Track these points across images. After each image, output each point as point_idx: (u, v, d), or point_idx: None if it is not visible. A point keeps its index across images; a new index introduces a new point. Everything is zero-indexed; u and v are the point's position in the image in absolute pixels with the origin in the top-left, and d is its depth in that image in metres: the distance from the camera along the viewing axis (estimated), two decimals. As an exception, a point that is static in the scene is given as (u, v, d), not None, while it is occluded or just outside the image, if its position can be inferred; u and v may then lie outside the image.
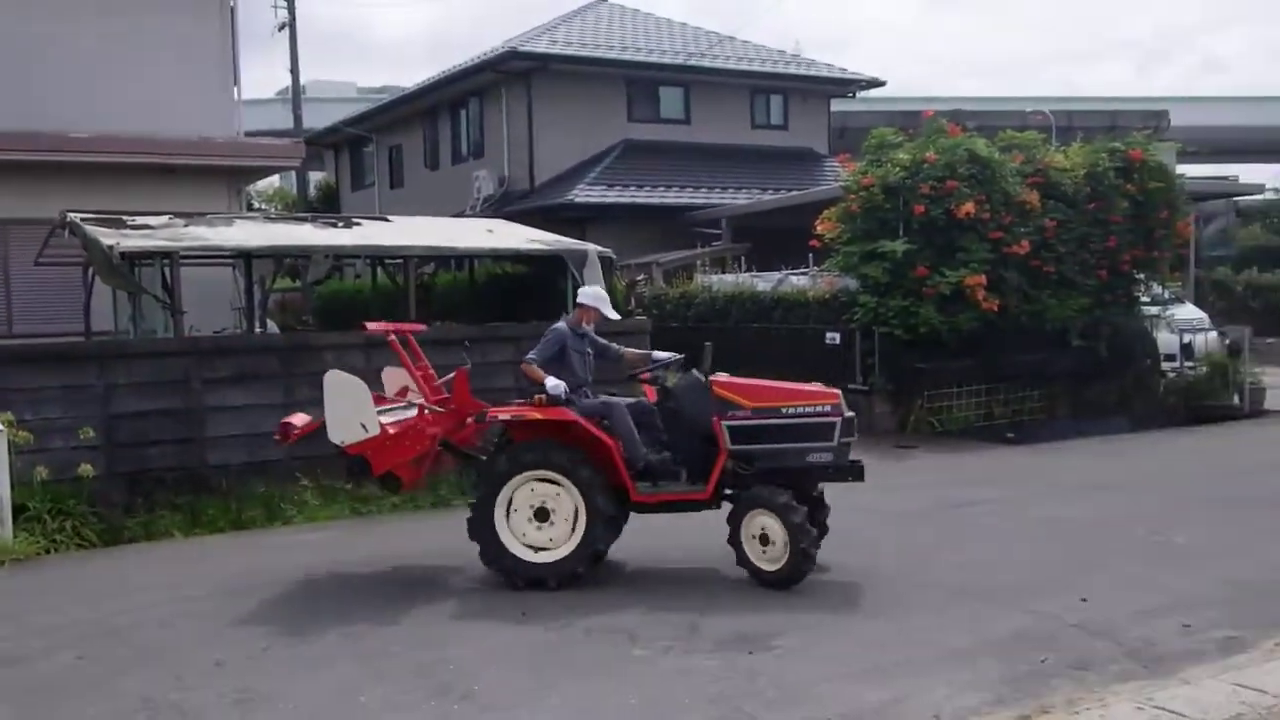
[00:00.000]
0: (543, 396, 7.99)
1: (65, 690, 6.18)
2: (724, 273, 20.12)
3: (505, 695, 5.89)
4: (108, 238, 11.91)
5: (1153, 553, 8.78)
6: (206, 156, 17.21)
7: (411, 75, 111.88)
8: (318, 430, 8.25)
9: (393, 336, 8.73)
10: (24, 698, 6.07)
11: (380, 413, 8.23)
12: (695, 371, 8.23)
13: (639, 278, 20.40)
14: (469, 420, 8.60)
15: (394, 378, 8.95)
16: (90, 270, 14.05)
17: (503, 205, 25.23)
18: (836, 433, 7.93)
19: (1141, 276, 17.71)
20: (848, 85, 30.39)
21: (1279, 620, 6.89)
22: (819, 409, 7.98)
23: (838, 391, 8.20)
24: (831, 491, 8.46)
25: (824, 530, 8.26)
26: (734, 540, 7.90)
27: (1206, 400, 17.88)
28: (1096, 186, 16.53)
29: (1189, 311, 20.92)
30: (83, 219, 12.84)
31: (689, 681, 6.01)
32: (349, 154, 35.42)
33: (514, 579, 7.88)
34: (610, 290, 14.40)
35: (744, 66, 28.30)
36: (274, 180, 38.98)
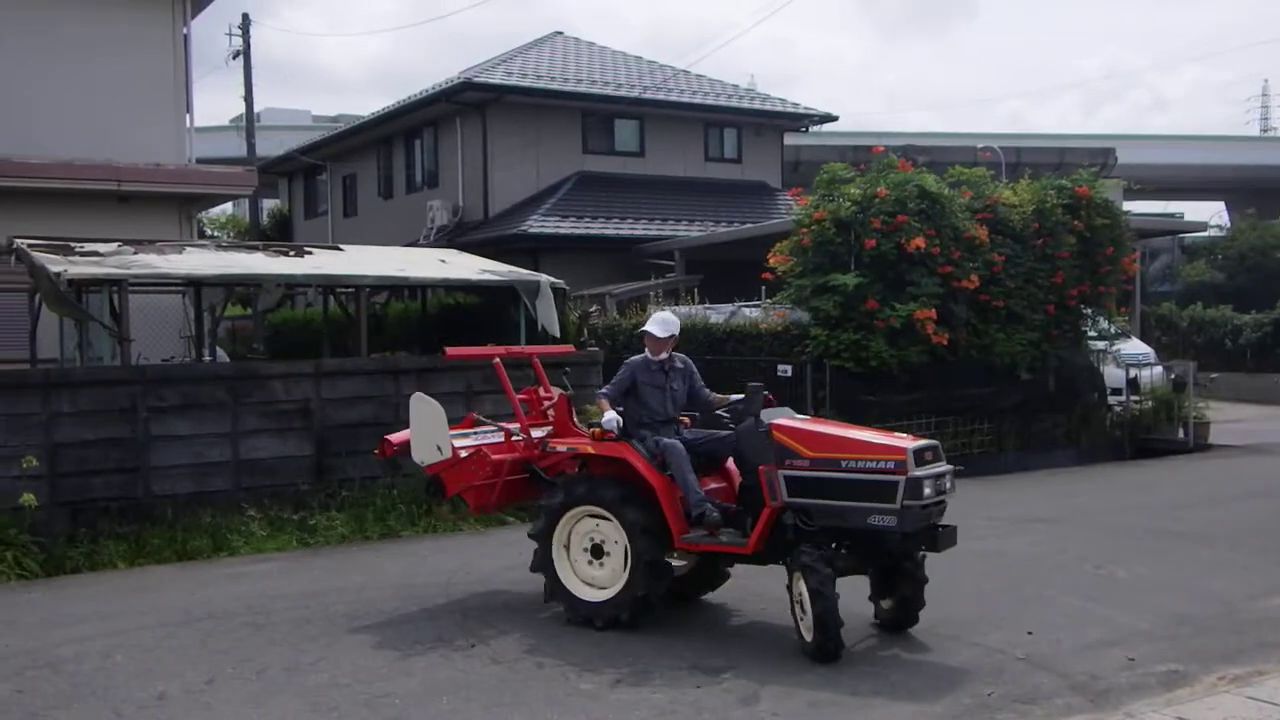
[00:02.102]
0: (598, 429, 7.83)
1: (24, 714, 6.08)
2: (677, 304, 20.18)
3: (451, 729, 5.86)
4: (55, 264, 11.79)
5: (1096, 586, 8.88)
6: (158, 183, 17.06)
7: (366, 104, 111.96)
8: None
9: (498, 361, 8.88)
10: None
11: (468, 435, 8.65)
12: (759, 417, 7.50)
13: (592, 309, 20.40)
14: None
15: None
16: (37, 297, 13.87)
17: (457, 235, 25.20)
18: (900, 494, 6.81)
19: (1088, 311, 17.97)
20: (801, 120, 30.69)
21: (1221, 654, 6.99)
22: (878, 464, 6.91)
23: (906, 447, 6.99)
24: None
25: (914, 606, 7.44)
26: (789, 597, 7.21)
27: (1152, 434, 18.17)
28: (1044, 222, 16.78)
29: (1135, 346, 21.27)
30: (30, 245, 12.72)
31: (637, 714, 6.01)
32: (303, 182, 35.25)
33: (571, 613, 7.79)
34: (562, 320, 14.45)
35: (698, 100, 28.52)
36: (227, 208, 38.80)
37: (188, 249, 14.55)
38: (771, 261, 16.60)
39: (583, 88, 26.98)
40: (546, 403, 8.83)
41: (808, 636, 6.93)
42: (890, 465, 6.87)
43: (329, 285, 16.07)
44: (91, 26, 17.36)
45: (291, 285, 15.18)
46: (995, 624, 7.70)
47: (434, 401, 8.33)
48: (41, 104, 16.59)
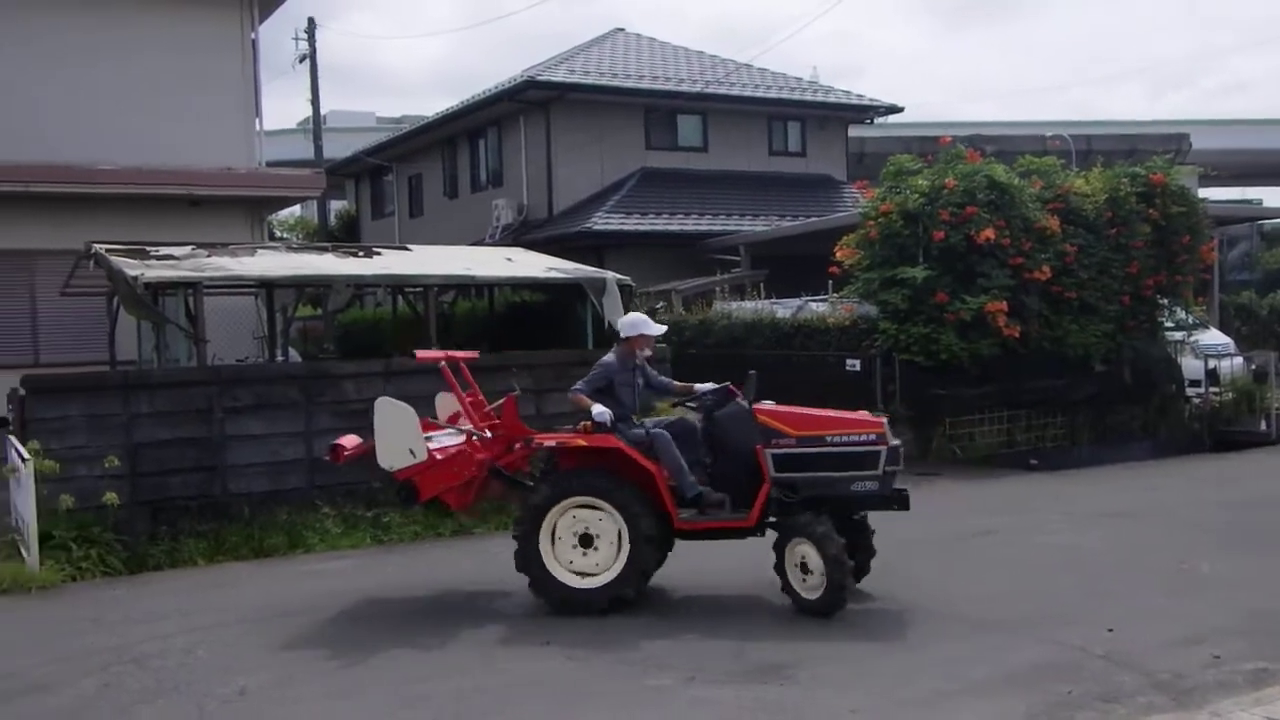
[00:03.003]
0: (589, 423, 8.04)
1: (90, 716, 6.19)
2: (743, 299, 20.12)
3: (528, 725, 5.88)
4: (132, 268, 12.02)
5: (1178, 582, 8.70)
6: (229, 187, 17.37)
7: (430, 105, 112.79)
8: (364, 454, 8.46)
9: (444, 364, 8.72)
10: (49, 728, 6.10)
11: (428, 439, 8.32)
12: (740, 400, 8.25)
13: (658, 305, 20.40)
14: (516, 446, 8.68)
15: (447, 404, 9.00)
16: (115, 300, 14.16)
17: (521, 233, 25.32)
18: (881, 461, 7.87)
19: (1165, 302, 17.66)
20: (865, 111, 30.42)
21: (1309, 651, 6.82)
22: (864, 438, 7.94)
23: (883, 420, 8.17)
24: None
25: (869, 555, 8.37)
26: (779, 568, 7.90)
27: (1232, 426, 17.79)
28: (1117, 211, 16.51)
29: (1213, 337, 20.80)
30: (108, 250, 12.97)
31: (712, 711, 5.99)
32: (369, 183, 35.63)
33: (562, 606, 7.91)
34: (629, 317, 14.43)
35: (761, 94, 28.37)
36: (295, 210, 39.25)
37: (259, 251, 14.77)
38: (838, 255, 16.49)
39: (645, 84, 26.97)
40: (472, 403, 8.77)
41: (810, 596, 7.71)
42: (873, 437, 7.92)
43: (397, 285, 16.24)
44: (163, 34, 17.71)
45: (361, 285, 15.35)
46: (1073, 620, 7.56)
47: (403, 404, 8.19)
48: (116, 111, 16.96)
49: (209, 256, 13.43)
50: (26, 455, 9.94)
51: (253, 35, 18.68)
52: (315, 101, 34.97)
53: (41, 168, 15.81)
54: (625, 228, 24.33)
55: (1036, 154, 18.26)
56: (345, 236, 34.80)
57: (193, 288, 12.59)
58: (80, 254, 14.07)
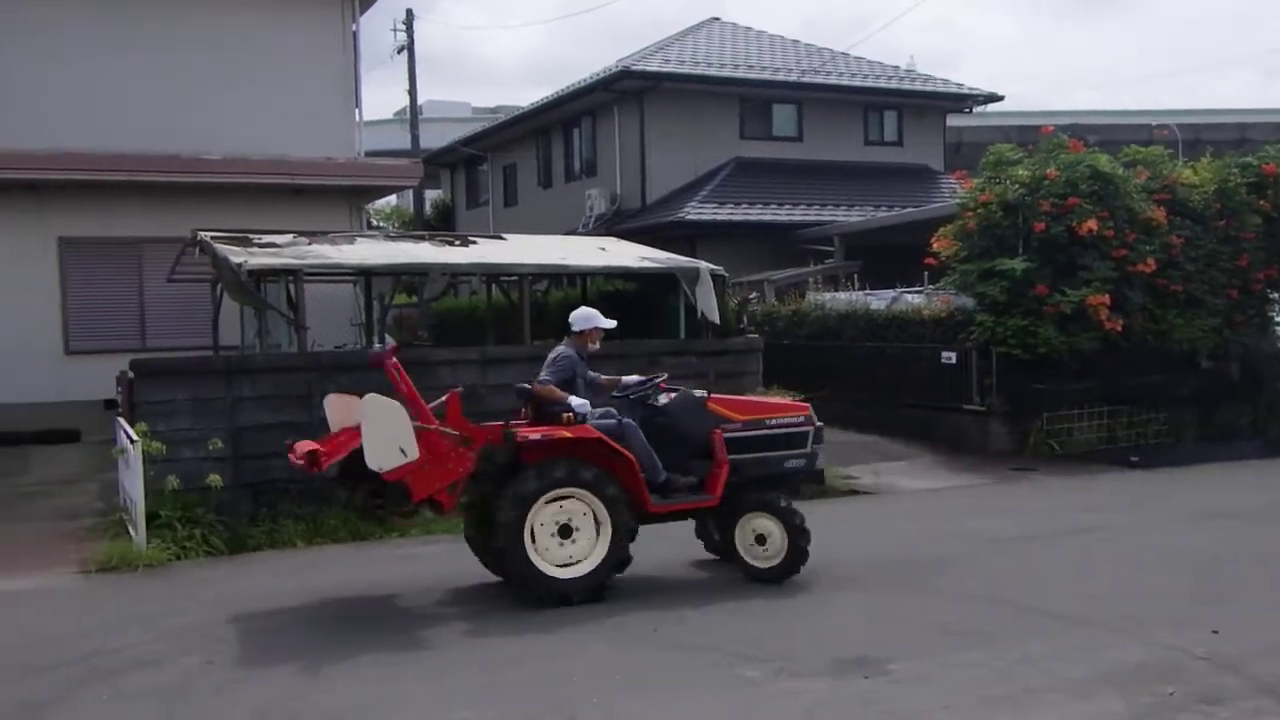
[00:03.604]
0: (571, 415, 8.07)
1: (193, 692, 6.37)
2: (836, 291, 19.96)
3: (622, 711, 5.91)
4: (236, 256, 12.31)
5: (1286, 584, 8.45)
6: (330, 177, 17.69)
7: (524, 95, 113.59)
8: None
9: (393, 361, 8.30)
10: (155, 699, 6.28)
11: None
12: (695, 391, 8.75)
13: (751, 295, 20.34)
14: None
15: (341, 406, 8.29)
16: (219, 287, 14.51)
17: (615, 223, 25.39)
18: (810, 441, 8.86)
19: (1276, 296, 17.11)
20: (964, 100, 29.93)
21: None
22: (796, 420, 8.85)
23: (808, 405, 9.11)
24: (947, 516, 8.34)
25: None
26: (729, 542, 8.59)
27: (1345, 425, 17.16)
28: (1226, 203, 16.05)
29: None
30: (213, 237, 13.29)
31: (801, 704, 5.96)
32: (464, 173, 36.02)
33: (545, 597, 7.89)
34: (722, 307, 14.41)
35: (858, 83, 28.07)
36: (391, 199, 39.85)
37: (358, 239, 15.02)
38: (935, 246, 16.27)
39: (740, 73, 26.85)
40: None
41: (766, 565, 8.49)
42: (803, 420, 8.85)
43: (492, 274, 16.36)
44: (266, 27, 18.06)
45: (456, 274, 15.51)
46: (1176, 621, 7.38)
47: (392, 402, 7.72)
48: (220, 102, 17.35)
49: (310, 244, 13.68)
50: (135, 437, 10.25)
51: (353, 27, 18.96)
52: (412, 92, 35.43)
53: (149, 157, 16.25)
54: (718, 218, 24.28)
55: (1142, 144, 17.83)
56: (440, 226, 35.24)
57: (294, 275, 12.84)
58: (186, 241, 14.43)
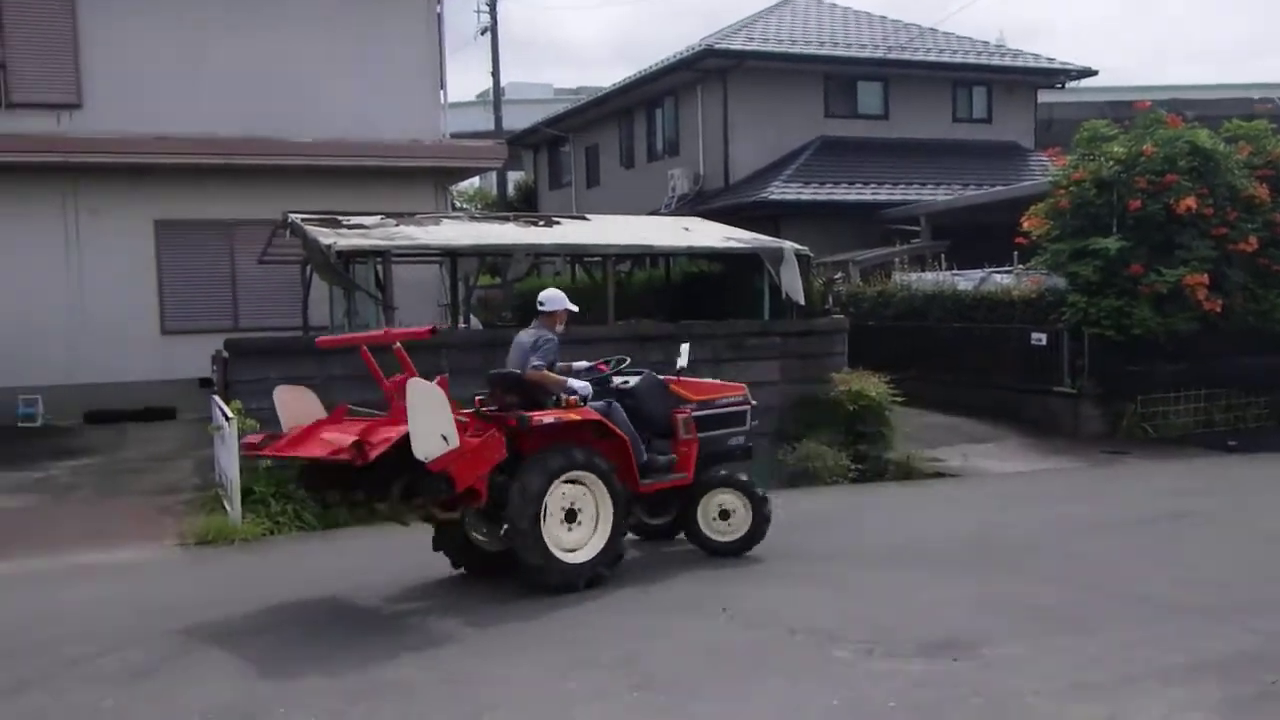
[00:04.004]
0: (574, 398, 8.03)
1: (290, 659, 6.50)
2: (923, 271, 19.71)
3: (707, 690, 5.91)
4: (325, 237, 12.50)
5: (1395, 572, 8.18)
6: (416, 158, 17.89)
7: (606, 75, 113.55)
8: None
9: (365, 349, 8.11)
10: (254, 667, 6.44)
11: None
12: (655, 375, 8.94)
13: (836, 276, 20.18)
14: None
15: (294, 399, 8.00)
16: (308, 268, 14.77)
17: (697, 203, 25.31)
18: (748, 419, 9.26)
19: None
20: (1056, 75, 29.27)
21: None
22: (738, 400, 9.20)
23: (744, 385, 9.45)
24: (1037, 499, 8.21)
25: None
26: (691, 518, 8.78)
27: None
28: (1335, 179, 15.53)
29: None
30: (303, 219, 13.51)
31: (891, 685, 5.91)
32: (547, 154, 36.15)
33: (554, 584, 7.74)
34: (807, 288, 14.31)
35: (946, 59, 27.57)
36: (474, 181, 40.11)
37: (444, 220, 15.16)
38: (1025, 225, 16.00)
39: (825, 50, 26.53)
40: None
41: (729, 539, 8.75)
42: (742, 399, 9.21)
43: (576, 254, 16.44)
44: (352, 9, 18.26)
45: (540, 255, 15.60)
46: (1278, 608, 7.19)
47: (434, 386, 7.37)
48: (310, 86, 17.59)
49: (397, 225, 13.85)
50: (230, 414, 10.48)
51: (438, 9, 19.11)
52: (496, 74, 35.65)
53: (241, 141, 16.58)
54: (802, 197, 24.06)
55: (1244, 118, 17.28)
56: (523, 207, 35.44)
57: (381, 256, 13.01)
58: (277, 223, 14.70)
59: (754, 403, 9.36)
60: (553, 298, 8.77)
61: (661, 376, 8.92)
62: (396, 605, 7.75)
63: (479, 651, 6.61)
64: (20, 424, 15.99)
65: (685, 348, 9.31)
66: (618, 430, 8.16)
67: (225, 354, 11.83)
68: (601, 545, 7.98)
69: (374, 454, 6.99)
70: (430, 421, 7.13)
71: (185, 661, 6.60)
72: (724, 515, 8.80)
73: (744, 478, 8.85)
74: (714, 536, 8.80)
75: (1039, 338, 15.65)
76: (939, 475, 13.18)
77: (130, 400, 16.32)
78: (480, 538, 8.32)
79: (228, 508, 10.39)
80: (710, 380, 9.30)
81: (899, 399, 13.79)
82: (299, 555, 9.48)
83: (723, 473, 8.88)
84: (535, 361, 8.11)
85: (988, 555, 8.94)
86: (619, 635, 6.86)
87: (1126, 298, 14.67)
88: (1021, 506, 11.16)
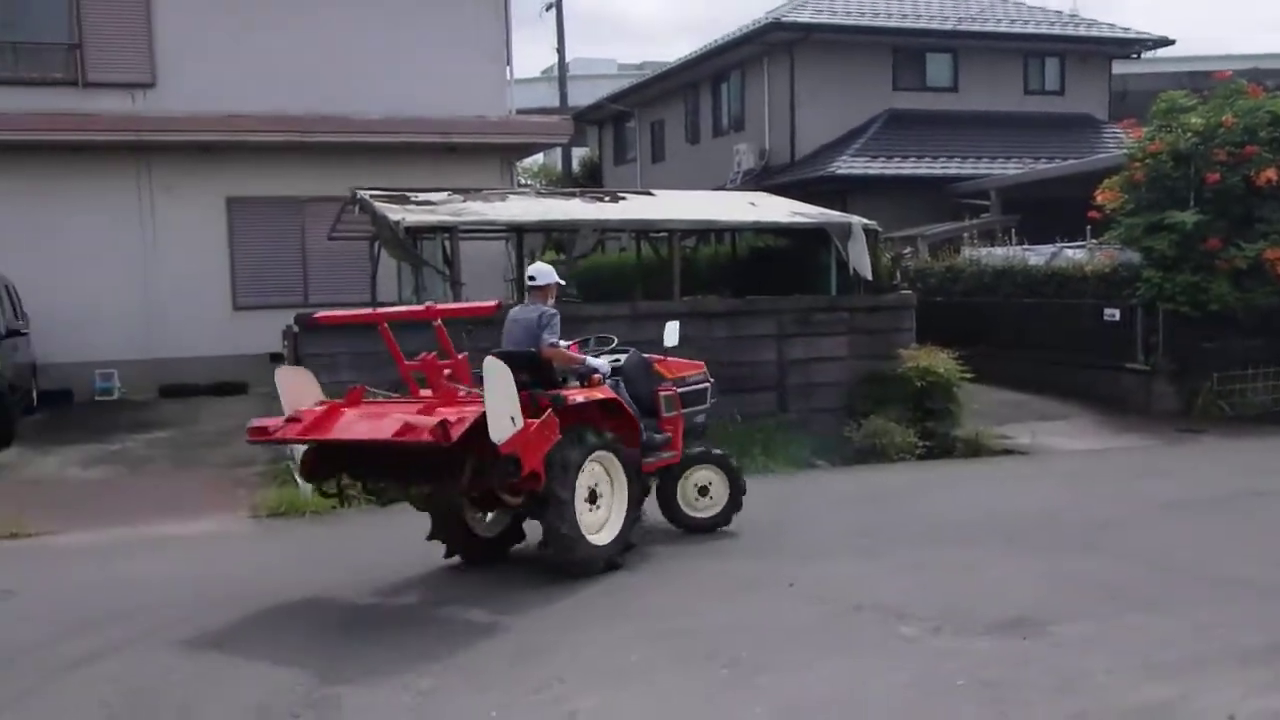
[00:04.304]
0: (599, 377, 7.97)
1: (359, 630, 6.61)
2: (992, 246, 19.43)
3: (773, 664, 5.90)
4: (394, 213, 12.60)
5: None
6: (483, 134, 17.97)
7: (671, 50, 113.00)
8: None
9: (385, 326, 7.68)
10: (323, 636, 6.55)
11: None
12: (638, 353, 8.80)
13: (904, 251, 19.96)
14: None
15: (295, 380, 7.68)
16: (377, 244, 14.89)
17: (763, 178, 25.15)
18: (709, 397, 9.25)
19: None
20: (1131, 45, 28.65)
21: None
22: (701, 377, 9.21)
23: (703, 363, 9.44)
24: (1109, 477, 8.08)
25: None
26: (671, 494, 8.79)
27: None
28: None
29: None
30: (372, 195, 13.63)
31: (960, 663, 5.86)
32: (611, 130, 36.11)
33: (578, 562, 7.54)
34: (875, 263, 14.18)
35: (1017, 29, 27.08)
36: (539, 157, 40.21)
37: (510, 196, 15.22)
38: (1099, 199, 15.69)
39: (893, 22, 26.18)
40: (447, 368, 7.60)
41: (707, 515, 8.81)
42: (703, 376, 9.22)
43: (642, 230, 16.42)
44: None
45: (606, 230, 15.60)
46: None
47: (504, 366, 7.08)
48: (378, 63, 17.72)
49: (464, 201, 13.93)
50: (302, 388, 10.59)
51: (504, -16, 19.14)
52: (561, 49, 35.60)
53: (311, 118, 16.75)
54: (870, 171, 23.82)
55: (1331, 87, 16.81)
56: (588, 182, 35.44)
57: (449, 231, 13.09)
58: (346, 200, 14.84)
59: (712, 380, 9.39)
60: (544, 272, 8.64)
61: (648, 356, 8.81)
62: (462, 579, 7.82)
63: (544, 625, 6.66)
64: (97, 397, 16.40)
65: (674, 325, 9.13)
66: (629, 410, 8.09)
67: (296, 328, 11.98)
68: (619, 528, 7.78)
69: (457, 434, 6.58)
70: (502, 402, 6.89)
71: (257, 631, 6.73)
72: (703, 491, 8.84)
73: (719, 452, 8.95)
74: (693, 514, 8.84)
75: (1112, 313, 15.37)
76: (1008, 453, 13.02)
77: (203, 375, 16.63)
78: (478, 524, 8.13)
79: (298, 481, 10.52)
80: (673, 359, 9.13)
81: (967, 375, 13.63)
82: (367, 528, 9.60)
83: (699, 449, 8.92)
84: (550, 338, 7.97)
85: (1058, 533, 8.82)
86: (681, 610, 6.86)
87: (1203, 273, 14.36)
88: (1092, 484, 11.00)
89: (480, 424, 6.76)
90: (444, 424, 6.55)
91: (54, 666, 6.11)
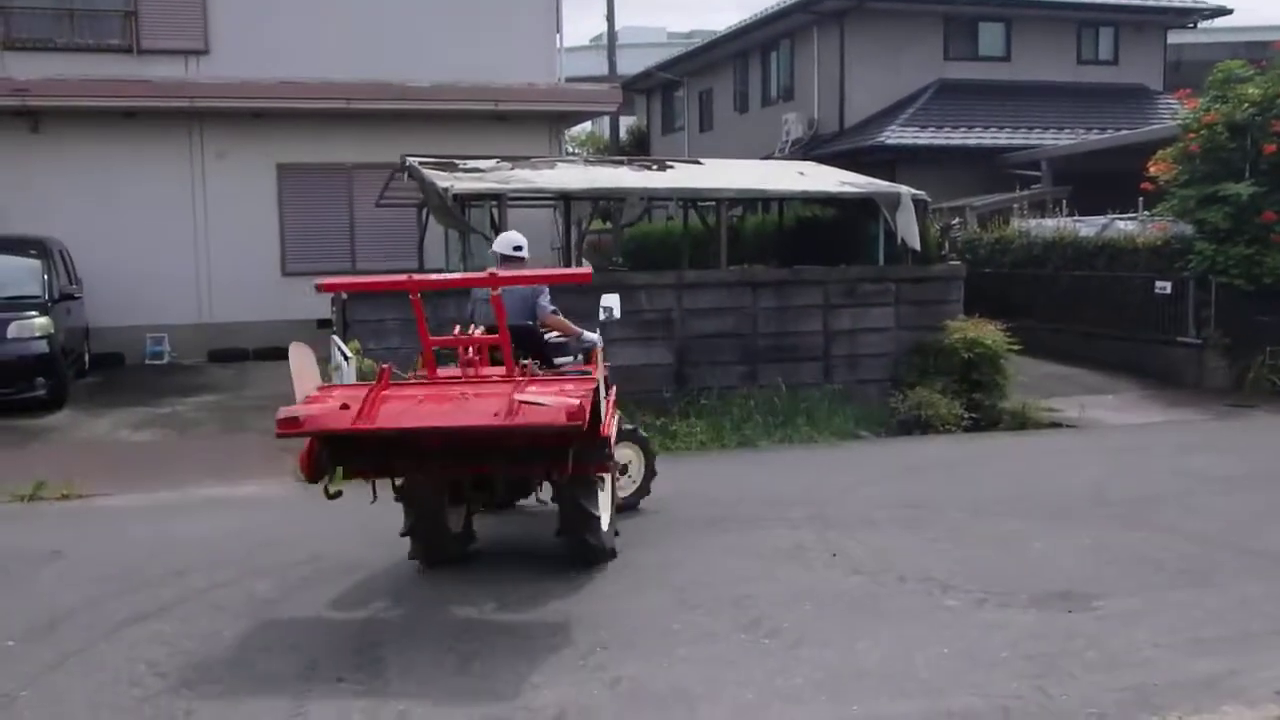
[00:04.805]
0: (600, 350, 7.59)
1: (405, 593, 6.70)
2: (1043, 217, 19.20)
3: (814, 634, 5.93)
4: (442, 180, 12.65)
5: None
6: (532, 102, 17.96)
7: (720, 19, 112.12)
8: None
9: (416, 296, 6.89)
10: (369, 600, 6.64)
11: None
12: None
13: (953, 221, 19.77)
14: None
15: (304, 360, 7.05)
16: (425, 211, 14.96)
17: (811, 148, 24.98)
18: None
19: None
20: (1188, 15, 28.10)
21: None
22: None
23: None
24: (1158, 452, 8.00)
25: None
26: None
27: None
28: None
29: None
30: (420, 162, 13.68)
31: (1004, 636, 5.86)
32: (660, 98, 35.97)
33: (601, 554, 7.16)
34: (923, 233, 14.07)
35: (1071, -2, 26.69)
36: (587, 125, 40.13)
37: (558, 164, 15.23)
38: (1152, 170, 15.47)
39: (945, -9, 25.84)
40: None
41: (625, 494, 8.34)
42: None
43: (690, 199, 16.37)
44: (471, -47, 18.32)
45: (653, 199, 15.57)
46: None
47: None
48: (426, 30, 17.78)
49: (512, 169, 13.95)
50: (349, 354, 10.67)
51: (554, -49, 19.08)
52: (610, 17, 35.37)
53: (360, 85, 16.82)
54: (919, 142, 23.60)
55: (1390, 58, 16.42)
56: (635, 151, 35.36)
57: (497, 199, 13.13)
58: (394, 167, 14.91)
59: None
60: (524, 242, 8.20)
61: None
62: (504, 548, 7.86)
63: (586, 594, 6.69)
64: (148, 361, 16.64)
65: (614, 299, 8.10)
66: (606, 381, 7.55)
67: (345, 295, 12.07)
68: (610, 513, 7.32)
69: (585, 416, 6.00)
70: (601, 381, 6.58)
71: (305, 593, 6.82)
72: (623, 470, 8.33)
73: (632, 427, 8.64)
74: (616, 490, 7.89)
75: (1163, 286, 15.17)
76: (1055, 426, 12.92)
77: (251, 340, 16.83)
78: (454, 521, 7.41)
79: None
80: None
81: (1015, 347, 13.52)
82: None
83: (632, 427, 8.66)
84: (549, 307, 7.64)
85: (1104, 507, 8.76)
86: (723, 581, 6.87)
87: (1258, 245, 14.15)
88: (1140, 458, 10.89)
89: (595, 404, 6.33)
90: (580, 406, 5.94)
91: (102, 627, 6.21)
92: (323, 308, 14.99)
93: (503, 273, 7.20)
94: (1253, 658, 5.55)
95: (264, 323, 16.81)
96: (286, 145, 17.30)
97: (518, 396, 6.08)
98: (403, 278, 6.93)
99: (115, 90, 16.14)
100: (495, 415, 5.99)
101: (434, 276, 7.68)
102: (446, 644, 5.83)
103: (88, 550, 7.94)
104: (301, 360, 6.94)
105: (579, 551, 7.06)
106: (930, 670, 5.43)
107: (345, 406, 6.22)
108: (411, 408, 6.28)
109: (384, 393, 6.35)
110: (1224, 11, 27.85)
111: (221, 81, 16.61)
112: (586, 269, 7.33)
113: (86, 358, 15.67)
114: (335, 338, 11.81)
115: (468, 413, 6.14)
